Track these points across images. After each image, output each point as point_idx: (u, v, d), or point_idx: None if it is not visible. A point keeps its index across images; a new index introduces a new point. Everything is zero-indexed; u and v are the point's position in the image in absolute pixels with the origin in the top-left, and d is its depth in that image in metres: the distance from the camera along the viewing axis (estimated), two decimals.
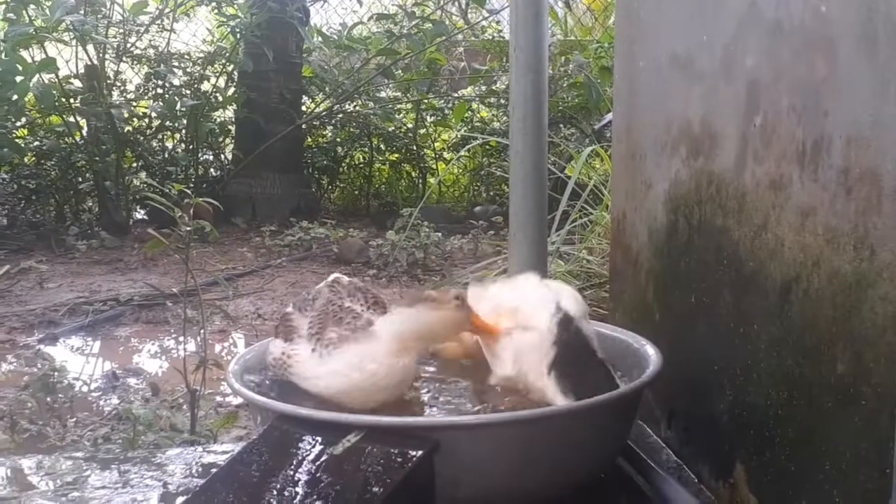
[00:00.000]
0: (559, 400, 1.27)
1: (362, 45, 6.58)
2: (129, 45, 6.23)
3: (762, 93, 1.22)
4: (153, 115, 6.27)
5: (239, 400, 2.67)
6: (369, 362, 1.29)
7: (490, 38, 6.88)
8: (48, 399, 2.63)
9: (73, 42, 5.67)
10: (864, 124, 0.98)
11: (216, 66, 6.52)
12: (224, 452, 1.67)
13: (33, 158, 6.09)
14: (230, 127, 6.78)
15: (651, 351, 1.42)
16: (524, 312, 1.38)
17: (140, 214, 6.31)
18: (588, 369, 1.31)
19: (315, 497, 1.06)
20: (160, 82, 6.23)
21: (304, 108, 6.90)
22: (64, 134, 5.93)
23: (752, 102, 1.24)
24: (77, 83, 5.84)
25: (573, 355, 1.31)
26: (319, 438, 1.16)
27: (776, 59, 1.18)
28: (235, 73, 6.51)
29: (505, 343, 1.38)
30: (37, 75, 5.19)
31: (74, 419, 2.64)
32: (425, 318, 1.32)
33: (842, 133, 1.03)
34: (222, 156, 6.91)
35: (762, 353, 1.22)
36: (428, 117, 7.14)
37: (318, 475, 1.09)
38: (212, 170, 6.85)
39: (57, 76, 5.44)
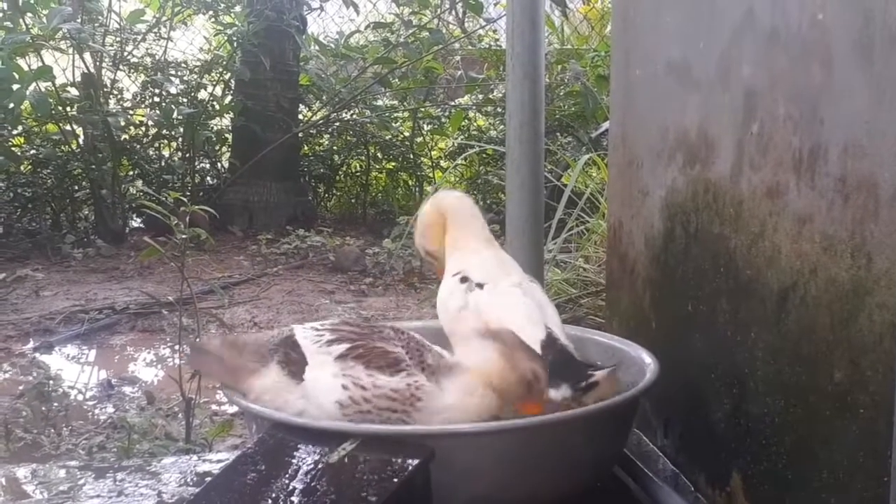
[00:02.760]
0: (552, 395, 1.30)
1: (359, 53, 6.57)
2: (125, 54, 6.23)
3: (759, 100, 1.22)
4: (150, 123, 6.26)
5: (234, 408, 2.66)
6: (477, 390, 1.21)
7: (487, 46, 6.89)
8: (43, 408, 2.62)
9: (70, 50, 5.66)
10: (860, 132, 0.98)
11: (213, 74, 6.52)
12: (219, 461, 1.66)
13: (29, 167, 6.07)
14: (227, 135, 6.76)
15: (647, 359, 1.42)
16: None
17: (136, 223, 6.30)
18: (572, 371, 1.33)
19: None
20: (157, 90, 6.23)
21: (300, 116, 6.90)
22: (60, 142, 5.92)
23: (749, 110, 1.24)
24: (74, 91, 5.83)
25: (561, 366, 1.33)
26: (315, 447, 1.15)
27: (773, 67, 1.18)
28: (232, 81, 6.51)
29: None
30: (33, 83, 5.17)
31: (69, 428, 2.63)
32: (496, 367, 1.22)
33: (838, 141, 1.02)
34: (219, 164, 6.90)
35: (759, 361, 1.22)
36: (425, 126, 7.14)
37: (313, 484, 1.09)
38: (208, 178, 6.84)
39: (53, 84, 5.43)
